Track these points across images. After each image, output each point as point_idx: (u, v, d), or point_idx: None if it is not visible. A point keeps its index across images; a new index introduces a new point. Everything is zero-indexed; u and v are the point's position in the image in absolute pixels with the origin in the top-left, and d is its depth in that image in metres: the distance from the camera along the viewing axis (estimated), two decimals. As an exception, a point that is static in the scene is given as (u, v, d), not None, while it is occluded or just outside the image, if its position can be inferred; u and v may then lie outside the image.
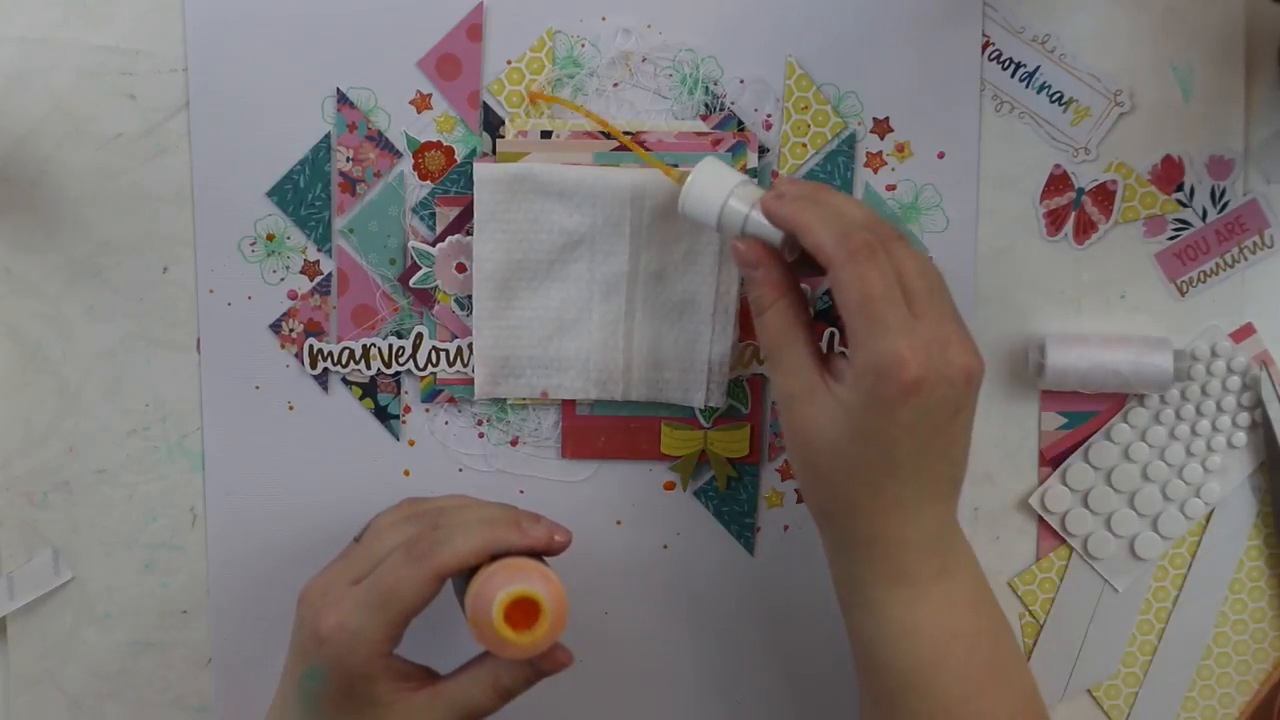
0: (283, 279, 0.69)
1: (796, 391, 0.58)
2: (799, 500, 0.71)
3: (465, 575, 0.60)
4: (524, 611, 0.56)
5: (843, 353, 0.61)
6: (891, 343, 0.55)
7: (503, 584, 0.56)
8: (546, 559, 0.61)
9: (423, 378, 0.69)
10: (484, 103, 0.68)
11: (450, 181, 0.68)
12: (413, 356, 0.69)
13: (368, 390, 0.69)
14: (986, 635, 0.59)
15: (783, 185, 0.61)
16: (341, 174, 0.68)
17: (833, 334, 0.69)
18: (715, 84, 0.68)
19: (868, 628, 0.59)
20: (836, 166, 0.69)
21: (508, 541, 0.59)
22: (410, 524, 0.62)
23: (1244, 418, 0.71)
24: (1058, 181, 0.69)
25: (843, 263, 0.56)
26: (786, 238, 0.59)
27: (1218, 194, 0.70)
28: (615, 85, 0.68)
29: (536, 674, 0.60)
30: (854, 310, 0.56)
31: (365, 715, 0.59)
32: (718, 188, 0.61)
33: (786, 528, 0.71)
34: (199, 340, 0.69)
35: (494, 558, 0.59)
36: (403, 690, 0.59)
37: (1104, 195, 0.70)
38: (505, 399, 0.70)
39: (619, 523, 0.71)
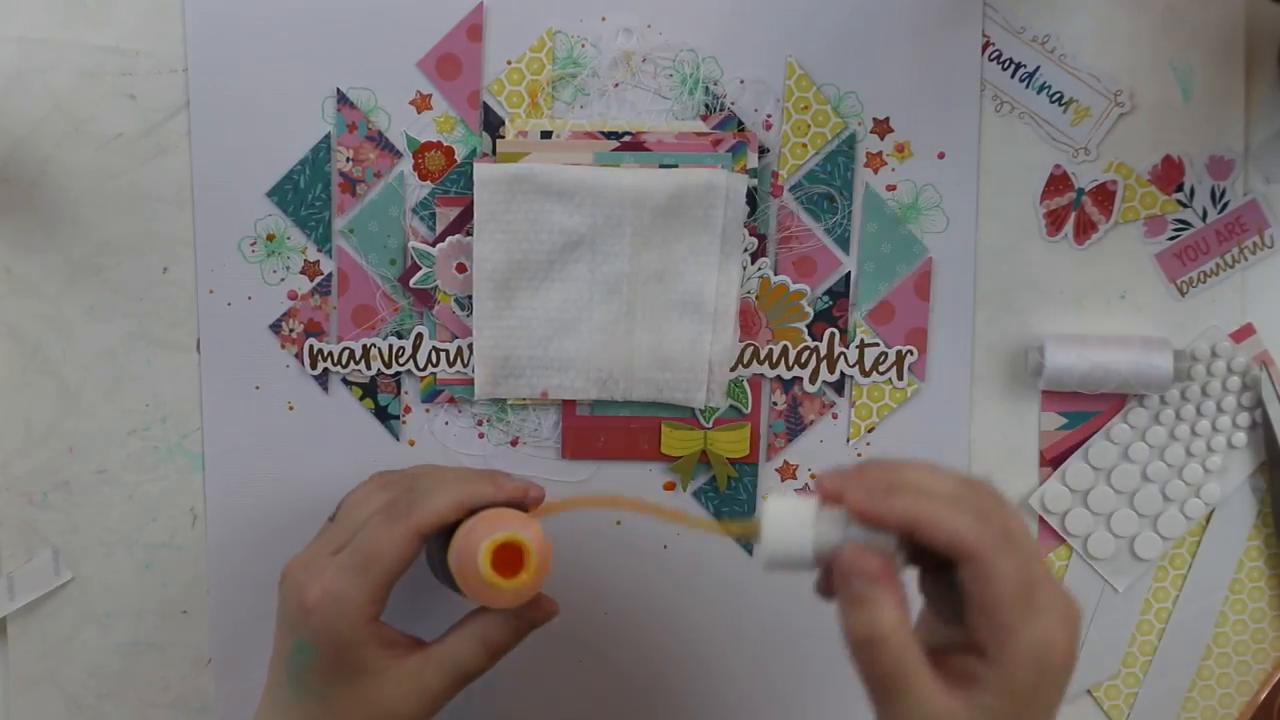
0: (283, 279, 0.69)
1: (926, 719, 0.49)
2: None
3: (440, 543, 0.60)
4: (509, 557, 0.56)
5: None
6: (1052, 628, 0.49)
7: (486, 532, 0.56)
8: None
9: (423, 378, 0.69)
10: (484, 103, 0.68)
11: (450, 182, 0.68)
12: (413, 357, 0.69)
13: (368, 390, 0.69)
14: None
15: (861, 482, 0.51)
16: (341, 174, 0.68)
17: (833, 334, 0.69)
18: (715, 84, 0.68)
19: None
20: (836, 167, 0.69)
21: (484, 495, 0.59)
22: (385, 491, 0.62)
23: (1244, 418, 0.71)
24: (1058, 181, 0.69)
25: (992, 554, 0.49)
26: (899, 544, 0.51)
27: (1218, 194, 0.70)
28: (616, 85, 0.68)
29: (525, 625, 0.60)
30: (1009, 602, 0.49)
31: (356, 685, 0.59)
32: (796, 522, 0.52)
33: (786, 528, 0.71)
34: (199, 340, 0.69)
35: (471, 513, 0.59)
36: (392, 656, 0.59)
37: (1104, 195, 0.70)
38: (505, 399, 0.70)
39: (619, 523, 0.71)
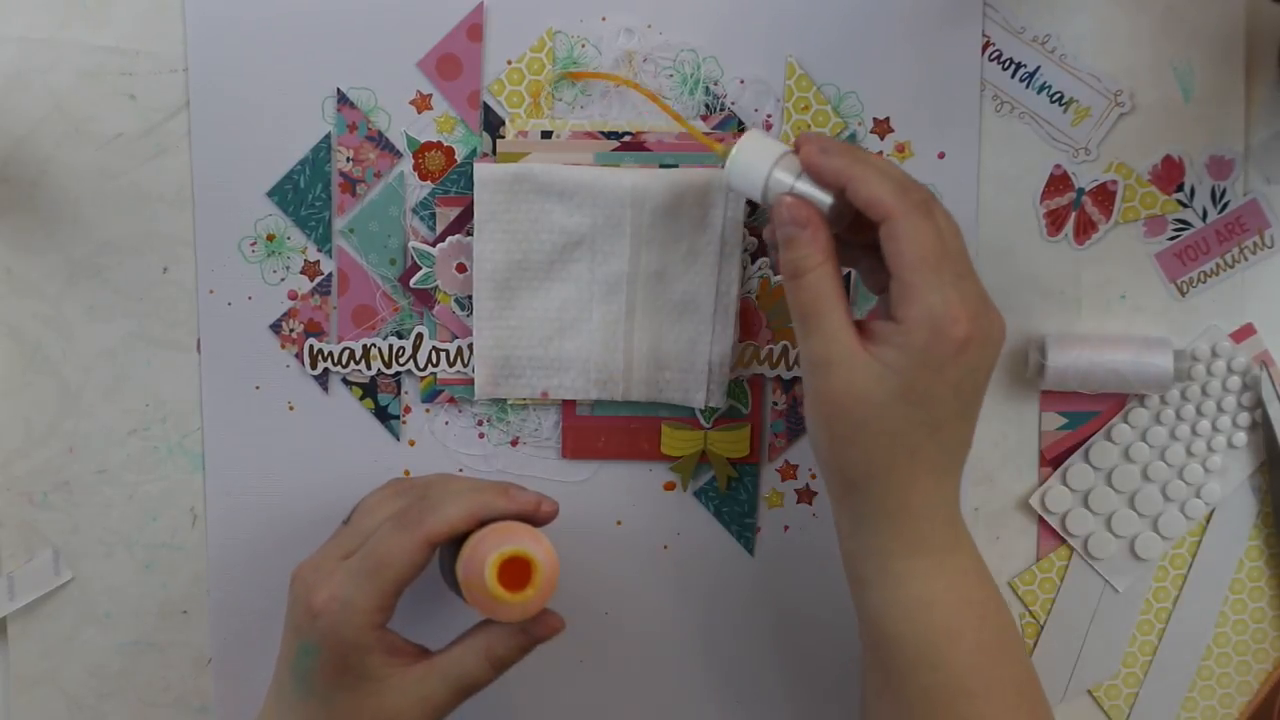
0: (283, 279, 0.69)
1: (835, 357, 0.56)
2: (799, 500, 0.71)
3: (452, 551, 0.60)
4: (516, 572, 0.56)
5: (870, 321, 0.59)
6: (945, 298, 0.55)
7: (494, 545, 0.57)
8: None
9: (423, 378, 0.69)
10: (484, 103, 0.68)
11: (450, 182, 0.68)
12: (413, 357, 0.69)
13: (368, 390, 0.69)
14: (993, 606, 0.60)
15: (819, 141, 0.59)
16: (342, 174, 0.68)
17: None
18: (715, 84, 0.68)
19: (882, 601, 0.58)
20: (837, 166, 0.69)
21: (496, 507, 0.60)
22: (398, 498, 0.63)
23: (1244, 418, 0.71)
24: (1058, 181, 0.69)
25: (902, 216, 0.55)
26: (834, 201, 0.58)
27: (1218, 194, 0.70)
28: (616, 85, 0.68)
29: (529, 641, 0.60)
30: (911, 265, 0.55)
31: (359, 690, 0.59)
32: (762, 158, 0.59)
33: (786, 528, 0.71)
34: (199, 340, 0.69)
35: (482, 524, 0.59)
36: (397, 664, 0.59)
37: (1104, 195, 0.70)
38: (505, 399, 0.70)
39: (619, 523, 0.71)
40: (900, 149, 0.69)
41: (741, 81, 0.68)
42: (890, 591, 0.58)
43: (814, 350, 0.57)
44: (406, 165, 0.68)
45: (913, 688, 0.58)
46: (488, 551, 0.57)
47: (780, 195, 0.58)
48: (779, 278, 0.69)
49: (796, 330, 0.58)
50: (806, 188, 0.58)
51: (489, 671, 0.60)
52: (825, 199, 0.58)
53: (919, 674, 0.58)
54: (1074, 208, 0.70)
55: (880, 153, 0.69)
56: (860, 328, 0.57)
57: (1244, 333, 0.71)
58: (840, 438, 0.57)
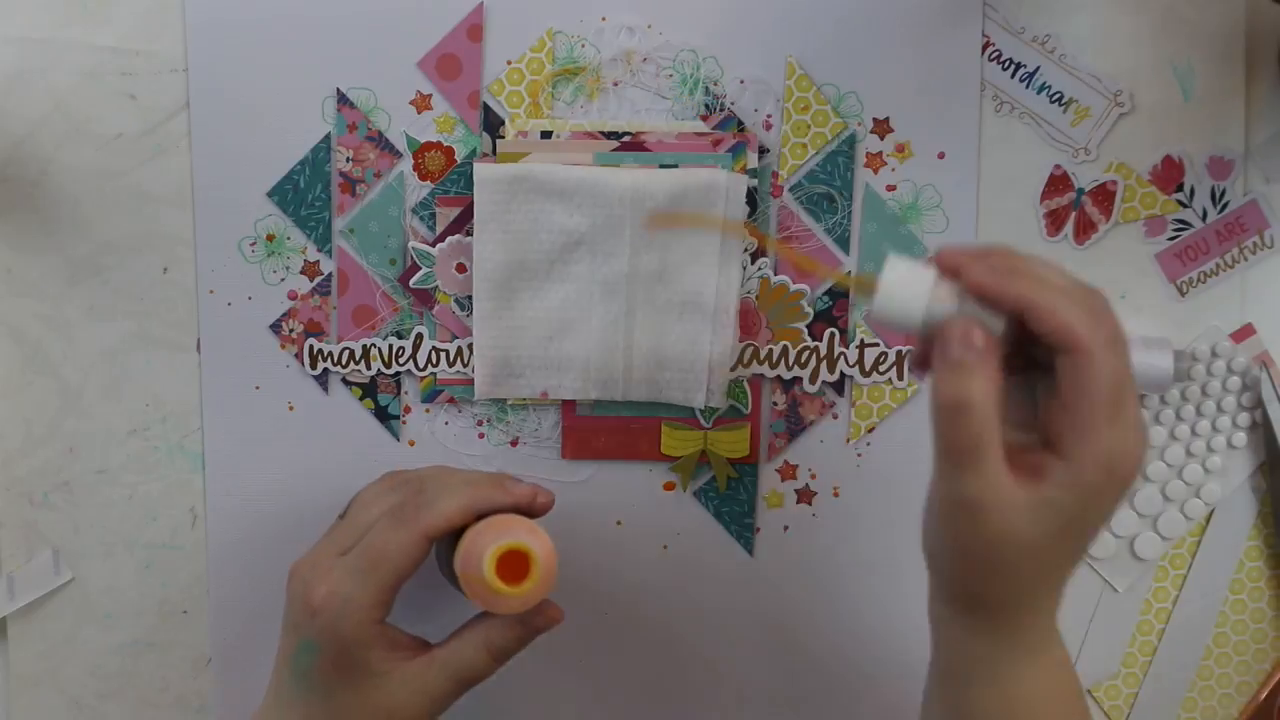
0: (283, 279, 0.69)
1: (991, 502, 0.50)
2: (799, 501, 0.71)
3: (449, 544, 0.60)
4: (514, 565, 0.56)
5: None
6: (1125, 439, 0.50)
7: (492, 539, 0.57)
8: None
9: (423, 378, 0.69)
10: (484, 103, 0.68)
11: (450, 182, 0.68)
12: (413, 357, 0.69)
13: (368, 390, 0.69)
14: (1081, 696, 0.58)
15: (987, 258, 0.52)
16: (341, 174, 0.68)
17: (833, 334, 0.69)
18: (715, 84, 0.68)
19: (984, 701, 0.55)
20: (836, 167, 0.69)
21: (493, 500, 0.60)
22: (394, 492, 0.63)
23: (1244, 418, 0.71)
24: (1058, 182, 0.69)
25: (1098, 351, 0.50)
26: (1005, 328, 0.51)
27: (1218, 194, 0.70)
28: (616, 84, 0.68)
29: (529, 632, 0.60)
30: (1096, 404, 0.50)
31: (360, 686, 0.59)
32: (915, 286, 0.52)
33: (786, 528, 0.71)
34: (199, 340, 0.69)
35: (479, 518, 0.59)
36: (397, 659, 0.59)
37: (1104, 195, 0.70)
38: (505, 399, 0.70)
39: (619, 523, 0.71)
40: (900, 149, 0.69)
41: (742, 81, 0.68)
42: (996, 690, 0.55)
43: (966, 492, 0.51)
44: (406, 165, 0.68)
45: None
46: (485, 545, 0.56)
47: (958, 321, 0.51)
48: (777, 275, 0.69)
49: (940, 463, 0.51)
50: (974, 313, 0.51)
51: (489, 663, 0.60)
52: (998, 326, 0.51)
53: None
54: (1074, 208, 0.70)
55: (878, 153, 0.69)
56: (1010, 456, 0.51)
57: (1244, 333, 0.71)
58: (981, 574, 0.53)
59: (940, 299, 0.52)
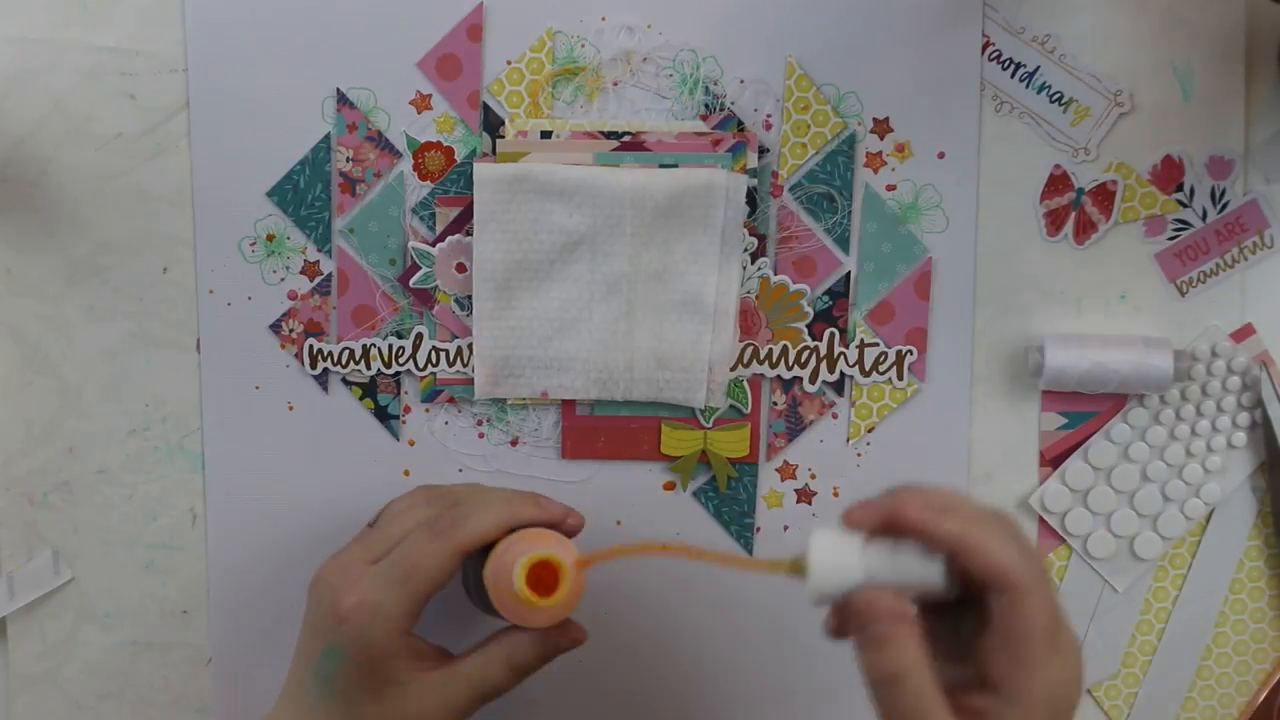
0: (283, 279, 0.69)
1: None
2: (799, 500, 0.71)
3: (477, 562, 0.60)
4: (544, 577, 0.57)
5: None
6: (1068, 669, 0.51)
7: (524, 550, 0.57)
8: None
9: (423, 378, 0.69)
10: (484, 103, 0.68)
11: (450, 182, 0.68)
12: (413, 357, 0.69)
13: (368, 390, 0.69)
14: None
15: (921, 497, 0.52)
16: (341, 174, 0.68)
17: (833, 334, 0.69)
18: (715, 84, 0.68)
19: None
20: (836, 167, 0.69)
21: (526, 515, 0.60)
22: (428, 506, 0.63)
23: (1244, 418, 0.71)
24: (1058, 181, 0.69)
25: (1031, 588, 0.50)
26: (944, 566, 0.51)
27: (1218, 194, 0.70)
28: (615, 84, 0.68)
29: (551, 650, 0.60)
30: (1039, 640, 0.50)
31: (383, 694, 0.59)
32: (845, 558, 0.51)
33: (786, 528, 0.71)
34: (199, 340, 0.69)
35: (510, 532, 0.60)
36: (420, 669, 0.59)
37: (1104, 195, 0.70)
38: (505, 399, 0.70)
39: (619, 523, 0.71)
40: (900, 149, 0.69)
41: (742, 81, 0.68)
42: None
43: None
44: (406, 165, 0.68)
45: None
46: (517, 555, 0.57)
47: (866, 594, 0.51)
48: (776, 274, 0.69)
49: None
50: (909, 562, 0.51)
51: (510, 678, 0.60)
52: (932, 572, 0.51)
53: None
54: (1074, 208, 0.70)
55: (878, 153, 0.69)
56: (951, 701, 0.50)
57: (1244, 333, 0.71)
58: None
59: (875, 560, 0.51)
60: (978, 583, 0.51)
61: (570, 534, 0.61)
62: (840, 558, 0.51)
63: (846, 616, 0.52)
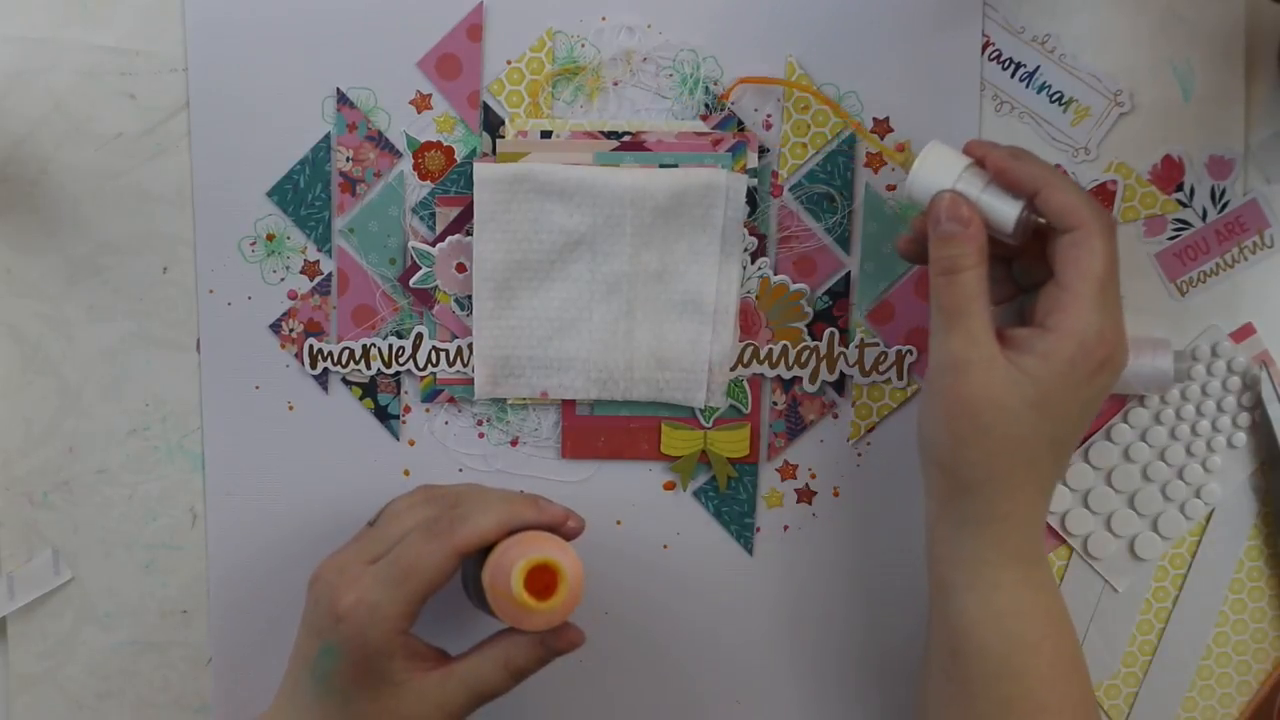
0: (283, 279, 0.69)
1: (975, 358, 0.57)
2: (799, 500, 0.71)
3: (476, 563, 0.60)
4: (542, 580, 0.57)
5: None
6: (1103, 318, 0.57)
7: (522, 553, 0.57)
8: None
9: (423, 378, 0.69)
10: (484, 103, 0.68)
11: (450, 181, 0.68)
12: (413, 356, 0.69)
13: (368, 390, 0.69)
14: (1067, 622, 0.61)
15: (1009, 148, 0.60)
16: (341, 174, 0.68)
17: (833, 334, 0.69)
18: (715, 84, 0.68)
19: (971, 606, 0.59)
20: (836, 166, 0.69)
21: (525, 518, 0.60)
22: (427, 506, 0.63)
23: (1244, 418, 0.71)
24: (1058, 181, 0.69)
25: (1098, 230, 0.57)
26: (1023, 210, 0.59)
27: (1218, 194, 0.70)
28: (615, 84, 0.68)
29: (548, 653, 0.60)
30: (1085, 278, 0.57)
31: (379, 694, 0.59)
32: (946, 169, 0.60)
33: (786, 528, 0.71)
34: (199, 340, 0.69)
35: (510, 534, 0.60)
36: (417, 670, 0.60)
37: (1104, 195, 0.70)
38: (505, 399, 0.70)
39: (619, 523, 0.71)
40: (900, 149, 0.69)
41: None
42: (981, 596, 0.59)
43: (953, 350, 0.57)
44: (406, 165, 0.68)
45: (992, 698, 0.58)
46: (516, 558, 0.57)
47: (941, 191, 0.59)
48: (777, 274, 0.69)
49: (934, 327, 0.59)
50: (993, 198, 0.59)
51: (507, 680, 0.60)
52: (1015, 206, 0.59)
53: (1000, 684, 0.58)
54: (1074, 208, 0.70)
55: (878, 153, 0.69)
56: (999, 333, 0.58)
57: (1244, 333, 0.71)
58: (963, 439, 0.58)
59: (968, 181, 0.59)
60: (1049, 232, 0.58)
61: (570, 537, 0.61)
62: (942, 165, 0.59)
63: (926, 220, 0.60)
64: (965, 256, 0.58)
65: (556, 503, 0.62)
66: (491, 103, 0.68)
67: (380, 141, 0.68)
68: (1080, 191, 0.58)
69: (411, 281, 0.69)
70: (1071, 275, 0.57)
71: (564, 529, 0.61)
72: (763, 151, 0.68)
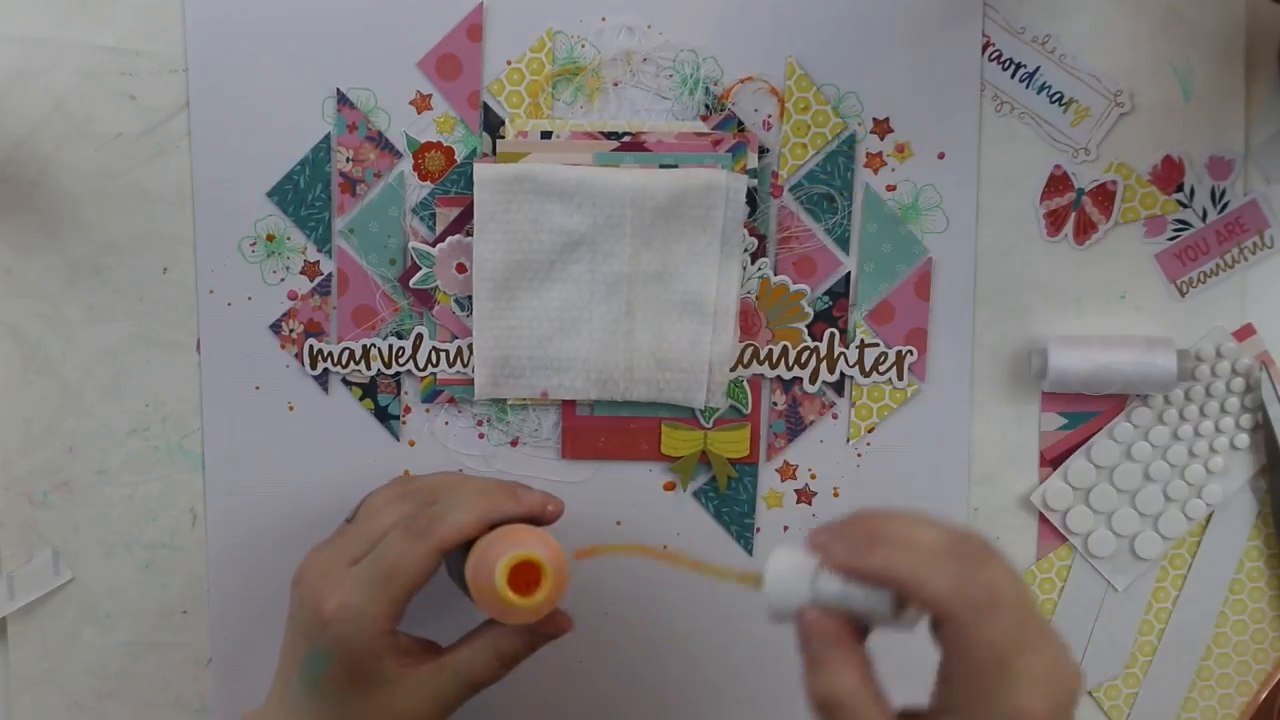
0: (283, 279, 0.69)
1: None
2: (799, 500, 0.71)
3: (461, 551, 0.60)
4: (526, 575, 0.57)
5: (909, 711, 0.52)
6: (1023, 697, 0.48)
7: (504, 550, 0.57)
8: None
9: (423, 378, 0.69)
10: (484, 103, 0.68)
11: (450, 182, 0.68)
12: (413, 357, 0.69)
13: (368, 391, 0.69)
14: None
15: (841, 537, 0.51)
16: (341, 174, 0.68)
17: (833, 334, 0.69)
18: (715, 84, 0.68)
19: None
20: (836, 167, 0.69)
21: (504, 510, 0.60)
22: (405, 501, 0.63)
23: (1246, 419, 0.71)
24: (1058, 182, 0.69)
25: (969, 621, 0.48)
26: (893, 600, 0.50)
27: (1218, 194, 0.70)
28: (615, 84, 0.68)
29: (537, 639, 0.60)
30: (984, 669, 0.48)
31: (371, 693, 0.59)
32: (798, 576, 0.52)
33: (786, 528, 0.71)
34: (199, 340, 0.69)
35: (490, 527, 0.59)
36: (406, 665, 0.59)
37: (1104, 196, 0.70)
38: (505, 399, 0.70)
39: (619, 523, 0.71)
40: (900, 149, 0.69)
41: (742, 81, 0.68)
42: None
43: None
44: (406, 165, 0.68)
45: None
46: (497, 556, 0.57)
47: (804, 610, 0.51)
48: (777, 275, 0.69)
49: None
50: (858, 589, 0.50)
51: (498, 669, 0.60)
52: (881, 600, 0.50)
53: None
54: (1074, 208, 0.70)
55: (878, 153, 0.69)
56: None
57: (1244, 333, 0.71)
58: None
59: (826, 585, 0.51)
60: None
61: (550, 521, 0.61)
62: (793, 577, 0.52)
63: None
64: (843, 681, 0.50)
65: (534, 489, 0.62)
66: (491, 103, 0.68)
67: (380, 142, 0.68)
68: (938, 567, 0.49)
69: (411, 282, 0.69)
70: (964, 667, 0.49)
71: (544, 516, 0.61)
72: (763, 152, 0.68)
